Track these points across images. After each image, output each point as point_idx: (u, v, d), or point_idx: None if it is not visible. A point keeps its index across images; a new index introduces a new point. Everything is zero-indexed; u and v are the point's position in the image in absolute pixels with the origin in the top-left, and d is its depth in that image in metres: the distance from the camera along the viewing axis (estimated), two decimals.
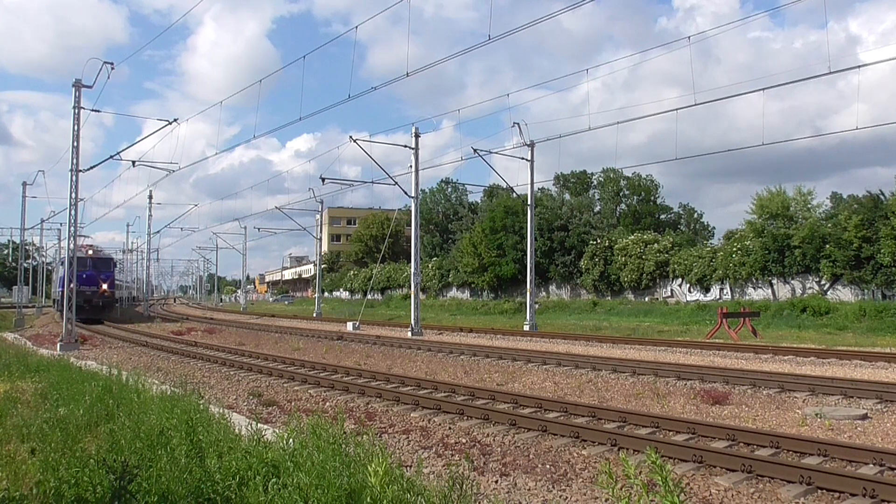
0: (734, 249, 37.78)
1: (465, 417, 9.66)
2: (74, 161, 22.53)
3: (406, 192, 30.07)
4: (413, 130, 29.41)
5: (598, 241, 46.17)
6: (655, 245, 42.66)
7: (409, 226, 31.64)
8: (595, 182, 67.79)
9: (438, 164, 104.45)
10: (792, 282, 35.32)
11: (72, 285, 23.13)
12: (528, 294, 31.28)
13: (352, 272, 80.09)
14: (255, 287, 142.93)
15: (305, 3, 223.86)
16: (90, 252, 40.08)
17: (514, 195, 41.73)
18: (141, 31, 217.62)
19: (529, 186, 31.20)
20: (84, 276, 36.05)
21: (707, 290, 39.34)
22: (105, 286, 38.70)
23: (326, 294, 75.46)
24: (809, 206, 50.05)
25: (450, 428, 9.08)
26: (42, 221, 56.33)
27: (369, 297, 65.16)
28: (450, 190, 79.36)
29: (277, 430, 6.87)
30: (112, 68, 20.92)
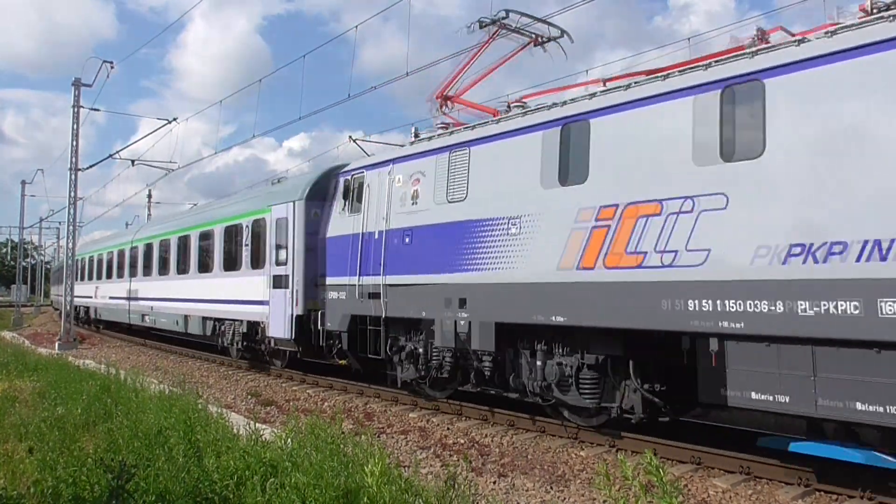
0: None
1: (464, 418, 9.65)
2: (73, 160, 22.51)
3: None
4: (413, 130, 29.35)
5: None
6: None
7: None
8: None
9: None
10: None
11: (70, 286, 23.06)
12: None
13: None
14: None
15: (297, 1, 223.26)
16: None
17: None
18: (129, 28, 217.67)
19: None
20: None
21: None
22: None
23: None
24: None
25: (448, 428, 9.07)
26: (41, 220, 56.26)
27: None
28: None
29: (275, 430, 6.87)
30: (112, 67, 20.95)
